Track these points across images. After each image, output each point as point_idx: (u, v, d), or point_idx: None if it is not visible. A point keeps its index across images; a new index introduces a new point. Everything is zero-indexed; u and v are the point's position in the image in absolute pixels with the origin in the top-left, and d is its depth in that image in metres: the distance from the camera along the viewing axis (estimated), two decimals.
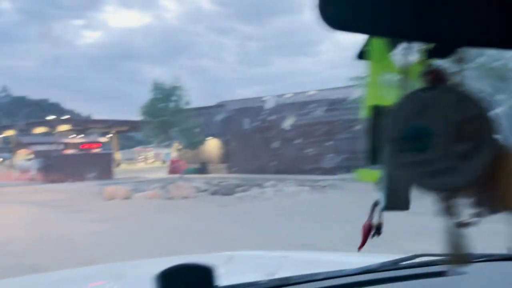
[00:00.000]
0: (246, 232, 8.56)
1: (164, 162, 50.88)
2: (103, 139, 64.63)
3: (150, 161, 49.30)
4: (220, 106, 30.42)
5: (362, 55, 0.77)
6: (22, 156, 51.72)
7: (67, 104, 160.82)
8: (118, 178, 25.33)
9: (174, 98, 26.05)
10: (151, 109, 25.43)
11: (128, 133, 54.29)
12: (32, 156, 50.09)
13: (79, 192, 18.44)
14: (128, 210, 12.42)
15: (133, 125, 43.91)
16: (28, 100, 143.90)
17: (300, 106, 25.52)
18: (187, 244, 7.67)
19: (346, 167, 23.25)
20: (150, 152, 51.80)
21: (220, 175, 26.94)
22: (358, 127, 24.21)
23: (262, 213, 11.13)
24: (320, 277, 1.26)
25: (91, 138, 62.51)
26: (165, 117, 25.25)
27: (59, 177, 23.91)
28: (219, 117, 29.33)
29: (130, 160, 50.55)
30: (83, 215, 11.68)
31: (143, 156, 49.48)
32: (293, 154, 25.20)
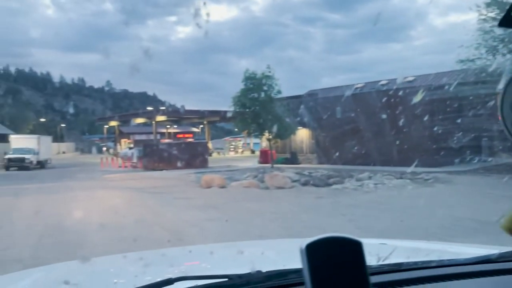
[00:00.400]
0: (353, 227, 7.89)
1: (253, 151, 51.50)
2: (195, 129, 67.38)
3: (239, 151, 50.17)
4: (310, 95, 29.68)
5: (507, 22, 0.62)
6: (124, 145, 55.74)
7: (163, 96, 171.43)
8: (211, 167, 25.86)
9: (265, 87, 25.79)
10: (242, 99, 25.42)
11: (218, 123, 55.78)
12: (132, 144, 53.77)
13: (178, 179, 19.00)
14: (227, 199, 12.33)
15: (223, 116, 44.88)
16: (129, 93, 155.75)
17: (394, 94, 23.81)
18: (292, 235, 7.21)
19: (444, 160, 21.42)
20: (240, 141, 52.73)
21: (310, 166, 26.34)
22: (458, 121, 22.11)
23: (367, 207, 10.31)
24: (433, 264, 1.25)
25: (184, 128, 65.52)
26: (256, 106, 25.12)
27: (158, 165, 24.99)
28: (309, 106, 28.61)
29: (220, 149, 51.88)
30: (185, 203, 11.82)
31: (233, 146, 50.51)
32: (387, 145, 23.67)
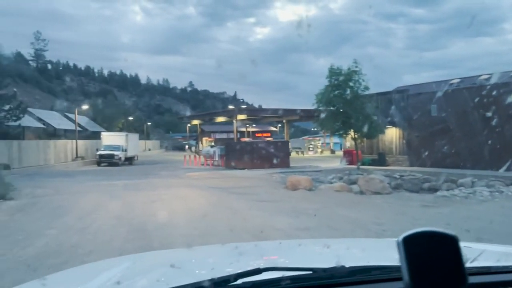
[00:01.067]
0: None
1: (333, 151, 49.53)
2: (273, 128, 66.81)
3: (319, 151, 48.34)
4: (400, 91, 27.30)
5: None
6: (205, 143, 56.73)
7: (241, 96, 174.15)
8: (293, 167, 24.72)
9: (351, 83, 24.02)
10: (326, 96, 23.89)
11: (295, 122, 54.52)
12: (213, 143, 54.53)
13: (261, 179, 18.11)
14: (318, 204, 11.05)
15: (303, 114, 43.56)
16: (210, 93, 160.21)
17: (495, 89, 20.76)
18: None
19: None
20: (318, 141, 50.94)
21: (399, 168, 24.14)
22: None
23: (497, 222, 8.42)
24: None
25: (263, 127, 65.25)
26: (342, 104, 23.47)
27: (240, 163, 24.40)
28: (399, 104, 26.30)
29: (299, 149, 50.52)
30: (273, 206, 10.78)
31: (312, 145, 48.70)
32: (482, 146, 20.82)
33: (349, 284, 1.20)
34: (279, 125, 66.17)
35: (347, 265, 1.21)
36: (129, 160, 33.99)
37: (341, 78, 23.92)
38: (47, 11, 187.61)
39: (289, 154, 25.11)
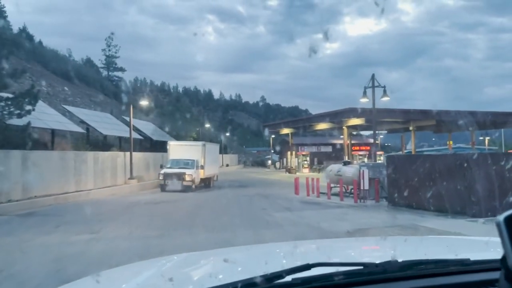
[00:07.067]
0: None
1: None
2: (371, 140, 52.66)
3: None
4: None
5: None
6: (290, 157, 44.17)
7: (314, 111, 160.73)
8: None
9: None
10: None
11: (423, 131, 40.04)
12: (307, 157, 41.76)
13: None
14: None
15: (443, 119, 29.43)
16: (282, 107, 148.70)
17: None
18: None
19: None
20: None
21: None
22: None
23: None
24: None
25: (359, 139, 51.50)
26: None
27: (433, 201, 11.20)
28: None
29: None
30: None
31: None
32: None
33: (403, 279, 1.10)
34: (381, 136, 52.00)
35: (399, 260, 1.11)
36: (206, 182, 22.13)
37: None
38: (131, 35, 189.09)
39: None
